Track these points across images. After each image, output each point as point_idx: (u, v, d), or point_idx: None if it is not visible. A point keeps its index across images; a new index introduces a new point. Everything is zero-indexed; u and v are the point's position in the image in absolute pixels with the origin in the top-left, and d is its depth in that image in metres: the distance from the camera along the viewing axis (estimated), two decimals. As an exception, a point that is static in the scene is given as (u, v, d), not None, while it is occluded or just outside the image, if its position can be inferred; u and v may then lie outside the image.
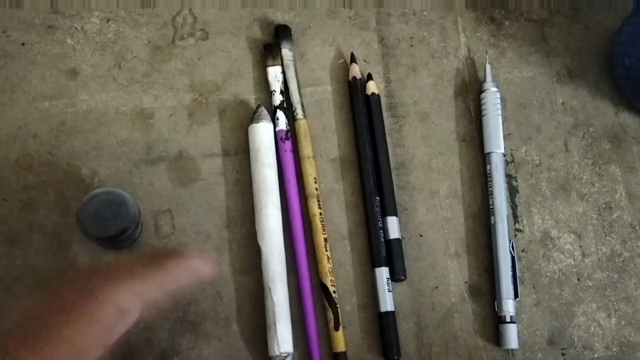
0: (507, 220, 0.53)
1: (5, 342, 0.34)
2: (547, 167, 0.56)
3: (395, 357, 0.50)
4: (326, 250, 0.52)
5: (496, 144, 0.54)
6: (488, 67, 0.56)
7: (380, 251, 0.52)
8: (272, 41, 0.56)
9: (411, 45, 0.58)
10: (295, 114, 0.54)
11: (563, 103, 0.57)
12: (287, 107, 0.55)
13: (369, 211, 0.53)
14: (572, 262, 0.54)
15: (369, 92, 0.55)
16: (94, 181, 0.53)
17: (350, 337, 0.51)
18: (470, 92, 0.57)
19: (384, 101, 0.56)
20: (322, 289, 0.51)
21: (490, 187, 0.54)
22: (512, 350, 0.52)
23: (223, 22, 0.57)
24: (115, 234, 0.47)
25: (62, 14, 0.56)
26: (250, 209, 0.52)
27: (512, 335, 0.51)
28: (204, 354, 0.50)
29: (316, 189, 0.53)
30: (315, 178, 0.53)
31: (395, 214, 0.53)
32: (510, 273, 0.52)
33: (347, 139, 0.55)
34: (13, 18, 0.56)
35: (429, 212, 0.54)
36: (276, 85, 0.55)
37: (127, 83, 0.55)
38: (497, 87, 0.56)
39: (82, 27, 0.56)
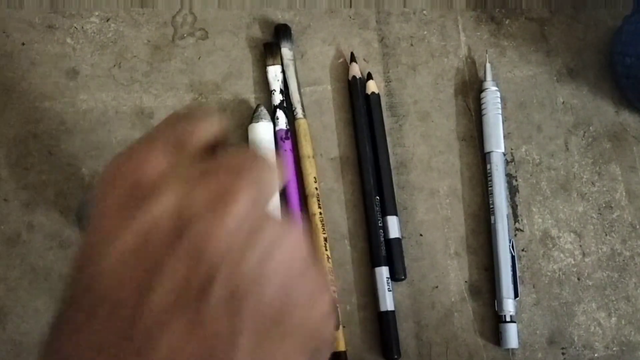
0: (507, 220, 0.53)
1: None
2: (547, 166, 0.56)
3: (395, 357, 0.50)
4: (326, 250, 0.52)
5: (496, 143, 0.54)
6: (488, 66, 0.56)
7: (380, 250, 0.52)
8: (272, 40, 0.56)
9: (411, 45, 0.58)
10: (295, 114, 0.54)
11: (563, 102, 0.57)
12: (287, 106, 0.55)
13: (369, 210, 0.53)
14: (572, 262, 0.54)
15: (368, 91, 0.55)
16: (94, 181, 0.53)
17: (350, 337, 0.51)
18: (470, 91, 0.57)
19: (384, 100, 0.56)
20: (322, 289, 0.51)
21: (490, 186, 0.54)
22: (512, 349, 0.52)
23: (223, 22, 0.57)
24: (115, 234, 0.47)
25: (62, 14, 0.56)
26: (250, 208, 0.52)
27: (512, 334, 0.51)
28: (204, 353, 0.50)
29: (316, 189, 0.53)
30: (315, 177, 0.53)
31: (395, 214, 0.53)
32: (510, 272, 0.52)
33: (347, 139, 0.55)
34: (13, 18, 0.56)
35: (428, 212, 0.54)
36: (276, 84, 0.55)
37: (127, 83, 0.55)
38: (497, 86, 0.56)
39: (82, 27, 0.56)
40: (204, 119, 0.27)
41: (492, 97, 0.55)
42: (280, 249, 0.24)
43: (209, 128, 0.27)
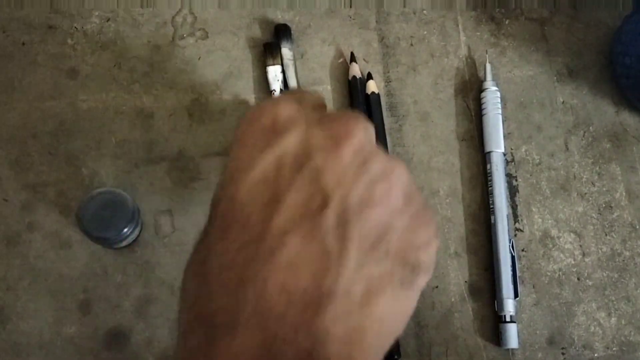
0: (507, 220, 0.53)
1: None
2: (547, 166, 0.56)
3: (395, 357, 0.50)
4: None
5: (496, 143, 0.54)
6: (488, 66, 0.56)
7: (380, 251, 0.52)
8: (272, 40, 0.56)
9: (411, 45, 0.58)
10: (295, 114, 0.54)
11: (563, 102, 0.57)
12: (287, 106, 0.55)
13: (369, 211, 0.53)
14: (572, 262, 0.54)
15: (369, 91, 0.55)
16: (94, 181, 0.53)
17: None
18: (470, 91, 0.57)
19: (384, 100, 0.56)
20: (322, 289, 0.51)
21: (491, 186, 0.54)
22: (512, 349, 0.52)
23: (223, 22, 0.57)
24: (115, 234, 0.47)
25: (62, 14, 0.56)
26: (250, 208, 0.52)
27: (512, 334, 0.51)
28: (204, 353, 0.50)
29: (316, 189, 0.53)
30: (315, 178, 0.53)
31: (395, 214, 0.53)
32: (510, 272, 0.52)
33: (347, 139, 0.55)
34: (13, 18, 0.56)
35: (429, 212, 0.54)
36: (276, 84, 0.55)
37: (127, 83, 0.55)
38: (497, 86, 0.56)
39: (82, 27, 0.56)
40: (310, 92, 0.34)
41: (492, 97, 0.55)
42: (386, 180, 0.28)
43: (316, 96, 0.34)
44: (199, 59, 0.56)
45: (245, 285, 0.25)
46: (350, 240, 0.26)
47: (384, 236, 0.27)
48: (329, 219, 0.26)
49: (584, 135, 0.57)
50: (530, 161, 0.56)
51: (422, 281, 0.29)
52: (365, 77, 0.56)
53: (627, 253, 0.54)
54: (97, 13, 0.56)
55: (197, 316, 0.26)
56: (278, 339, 0.24)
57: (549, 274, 0.53)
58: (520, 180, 0.55)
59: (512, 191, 0.55)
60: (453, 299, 0.52)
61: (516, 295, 0.52)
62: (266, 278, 0.25)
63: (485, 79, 0.56)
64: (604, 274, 0.54)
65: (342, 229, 0.26)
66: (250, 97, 0.55)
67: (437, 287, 0.53)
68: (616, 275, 0.54)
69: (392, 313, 0.27)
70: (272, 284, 0.25)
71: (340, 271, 0.26)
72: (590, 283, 0.53)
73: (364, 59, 0.57)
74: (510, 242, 0.52)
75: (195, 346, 0.26)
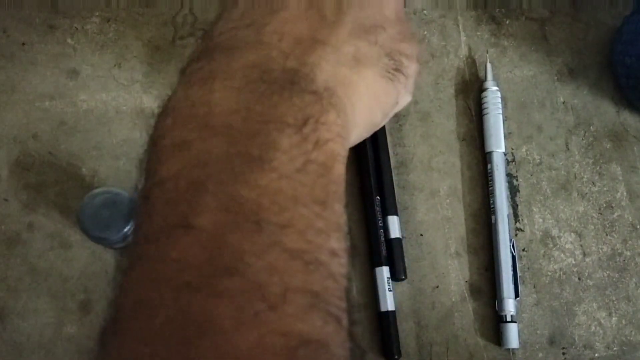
0: (508, 220, 0.53)
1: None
2: (547, 166, 0.56)
3: (396, 357, 0.50)
4: (326, 250, 0.51)
5: (497, 143, 0.54)
6: (489, 66, 0.56)
7: (380, 250, 0.52)
8: (272, 40, 0.56)
9: (411, 45, 0.58)
10: (295, 114, 0.54)
11: (564, 102, 0.57)
12: (287, 106, 0.54)
13: (369, 210, 0.53)
14: (573, 262, 0.54)
15: (369, 91, 0.55)
16: (94, 181, 0.53)
17: (349, 337, 0.51)
18: (470, 91, 0.57)
19: (384, 100, 0.56)
20: (322, 289, 0.51)
21: (491, 186, 0.54)
22: (513, 349, 0.52)
23: (223, 22, 0.57)
24: (115, 234, 0.47)
25: (62, 14, 0.56)
26: (251, 208, 0.52)
27: (512, 334, 0.51)
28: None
29: (316, 189, 0.53)
30: (315, 177, 0.53)
31: (396, 213, 0.53)
32: (510, 272, 0.52)
33: (347, 139, 0.55)
34: (13, 18, 0.56)
35: (429, 212, 0.54)
36: (276, 84, 0.55)
37: (127, 83, 0.55)
38: (498, 86, 0.56)
39: (83, 27, 0.56)
40: None
41: (493, 97, 0.55)
42: None
43: None
44: (199, 59, 0.56)
45: (246, 28, 0.29)
46: (346, 15, 0.30)
47: (375, 29, 0.31)
48: (329, 1, 0.30)
49: (584, 135, 0.56)
50: (531, 161, 0.56)
51: (402, 85, 0.32)
52: (366, 77, 0.56)
53: (628, 253, 0.54)
54: (97, 13, 0.56)
55: (201, 51, 0.30)
56: (269, 59, 0.27)
57: (549, 273, 0.53)
58: (520, 180, 0.55)
59: (513, 191, 0.55)
60: (453, 299, 0.52)
61: (517, 295, 0.52)
62: (265, 24, 0.29)
63: (485, 79, 0.56)
64: (605, 274, 0.54)
65: (339, 7, 0.30)
66: (251, 97, 0.55)
67: (437, 287, 0.53)
68: (617, 275, 0.54)
69: (376, 89, 0.30)
70: (270, 28, 0.29)
71: (333, 30, 0.29)
72: (590, 283, 0.53)
73: (364, 59, 0.57)
74: (510, 242, 0.52)
75: (195, 67, 0.30)
